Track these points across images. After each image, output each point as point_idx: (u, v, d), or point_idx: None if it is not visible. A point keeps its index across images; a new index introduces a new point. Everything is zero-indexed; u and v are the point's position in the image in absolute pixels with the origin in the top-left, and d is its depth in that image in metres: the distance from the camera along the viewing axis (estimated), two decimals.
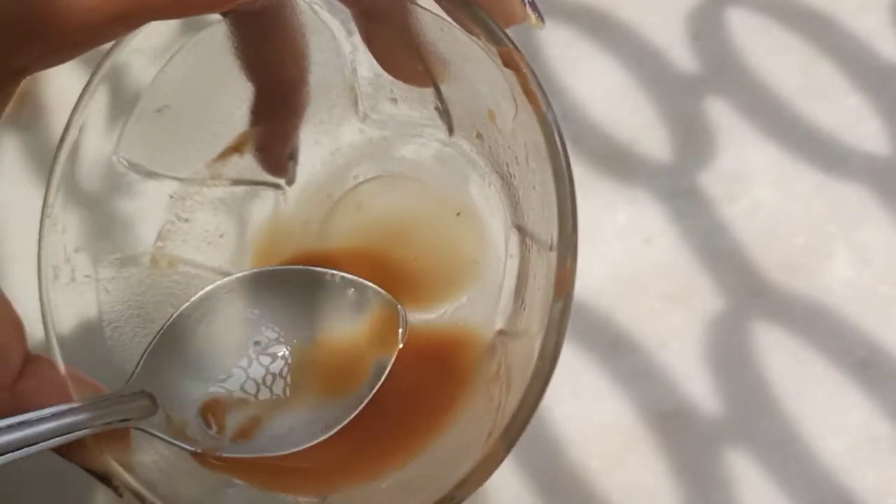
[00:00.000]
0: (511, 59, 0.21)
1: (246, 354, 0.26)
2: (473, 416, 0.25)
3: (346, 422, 0.25)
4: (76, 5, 0.18)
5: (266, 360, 0.26)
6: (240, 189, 0.28)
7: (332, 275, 0.26)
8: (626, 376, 0.31)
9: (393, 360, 0.26)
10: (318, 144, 0.28)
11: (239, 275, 0.26)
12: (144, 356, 0.24)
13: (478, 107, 0.24)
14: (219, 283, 0.26)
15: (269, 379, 0.26)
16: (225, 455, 0.24)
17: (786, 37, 0.36)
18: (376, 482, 0.25)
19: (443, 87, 0.24)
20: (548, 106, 0.20)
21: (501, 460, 0.20)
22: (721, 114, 0.35)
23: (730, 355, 0.32)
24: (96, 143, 0.24)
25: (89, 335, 0.24)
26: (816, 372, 0.31)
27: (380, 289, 0.26)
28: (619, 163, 0.35)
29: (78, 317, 0.24)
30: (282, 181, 0.28)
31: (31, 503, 0.30)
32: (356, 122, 0.27)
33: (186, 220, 0.27)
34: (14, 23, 0.18)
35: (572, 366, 0.31)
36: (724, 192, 0.34)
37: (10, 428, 0.19)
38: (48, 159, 0.24)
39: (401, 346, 0.26)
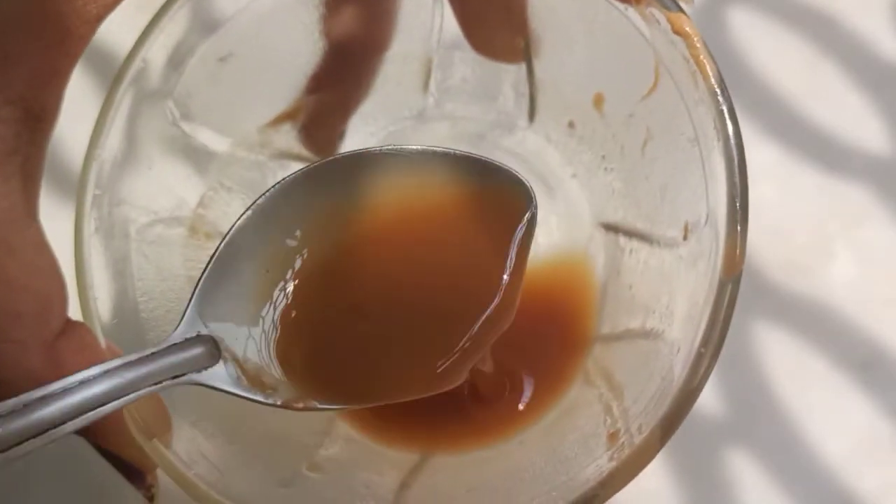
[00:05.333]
0: (682, 25, 0.19)
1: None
2: (579, 408, 0.22)
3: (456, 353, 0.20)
4: None
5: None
6: (288, 162, 0.25)
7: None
8: None
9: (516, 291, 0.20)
10: (374, 120, 0.25)
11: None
12: (196, 291, 0.19)
13: (581, 89, 0.21)
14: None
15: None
16: (319, 406, 0.19)
17: (787, 37, 0.36)
18: (481, 450, 0.22)
19: (536, 66, 0.22)
20: (719, 77, 0.19)
21: (656, 453, 0.18)
22: None
23: (730, 355, 0.31)
24: (155, 83, 0.21)
25: (123, 306, 0.21)
26: (817, 372, 0.31)
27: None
28: None
29: (114, 283, 0.21)
30: None
31: None
32: (421, 101, 0.25)
33: (229, 189, 0.24)
34: None
35: None
36: None
37: (44, 399, 0.16)
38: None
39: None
